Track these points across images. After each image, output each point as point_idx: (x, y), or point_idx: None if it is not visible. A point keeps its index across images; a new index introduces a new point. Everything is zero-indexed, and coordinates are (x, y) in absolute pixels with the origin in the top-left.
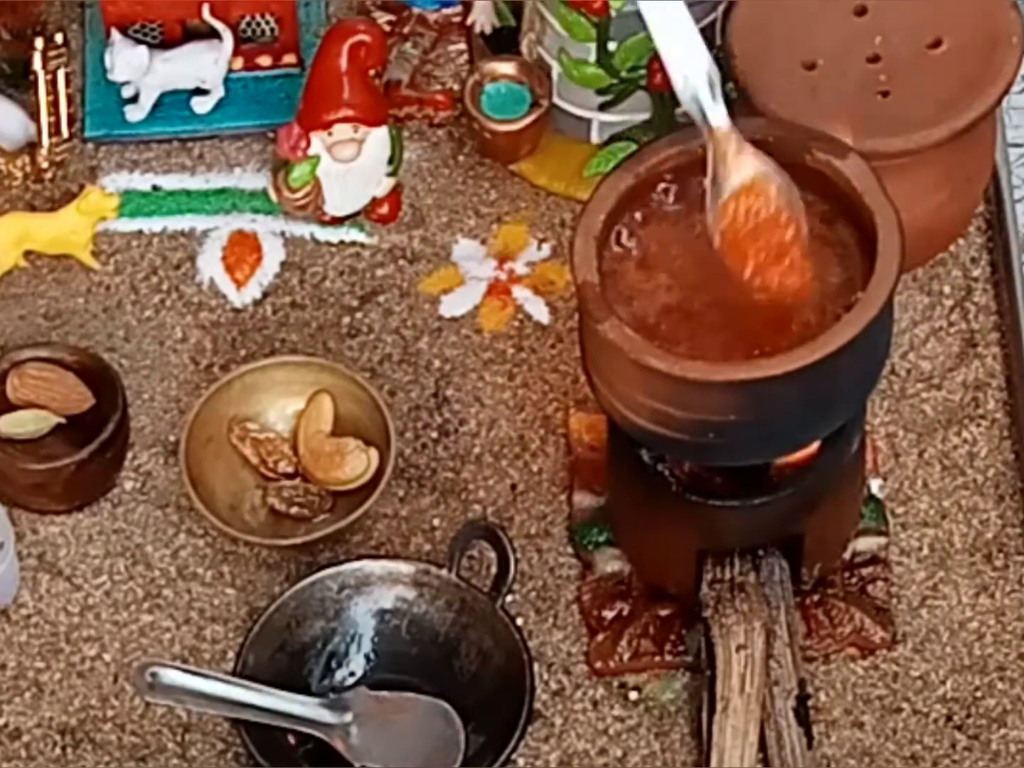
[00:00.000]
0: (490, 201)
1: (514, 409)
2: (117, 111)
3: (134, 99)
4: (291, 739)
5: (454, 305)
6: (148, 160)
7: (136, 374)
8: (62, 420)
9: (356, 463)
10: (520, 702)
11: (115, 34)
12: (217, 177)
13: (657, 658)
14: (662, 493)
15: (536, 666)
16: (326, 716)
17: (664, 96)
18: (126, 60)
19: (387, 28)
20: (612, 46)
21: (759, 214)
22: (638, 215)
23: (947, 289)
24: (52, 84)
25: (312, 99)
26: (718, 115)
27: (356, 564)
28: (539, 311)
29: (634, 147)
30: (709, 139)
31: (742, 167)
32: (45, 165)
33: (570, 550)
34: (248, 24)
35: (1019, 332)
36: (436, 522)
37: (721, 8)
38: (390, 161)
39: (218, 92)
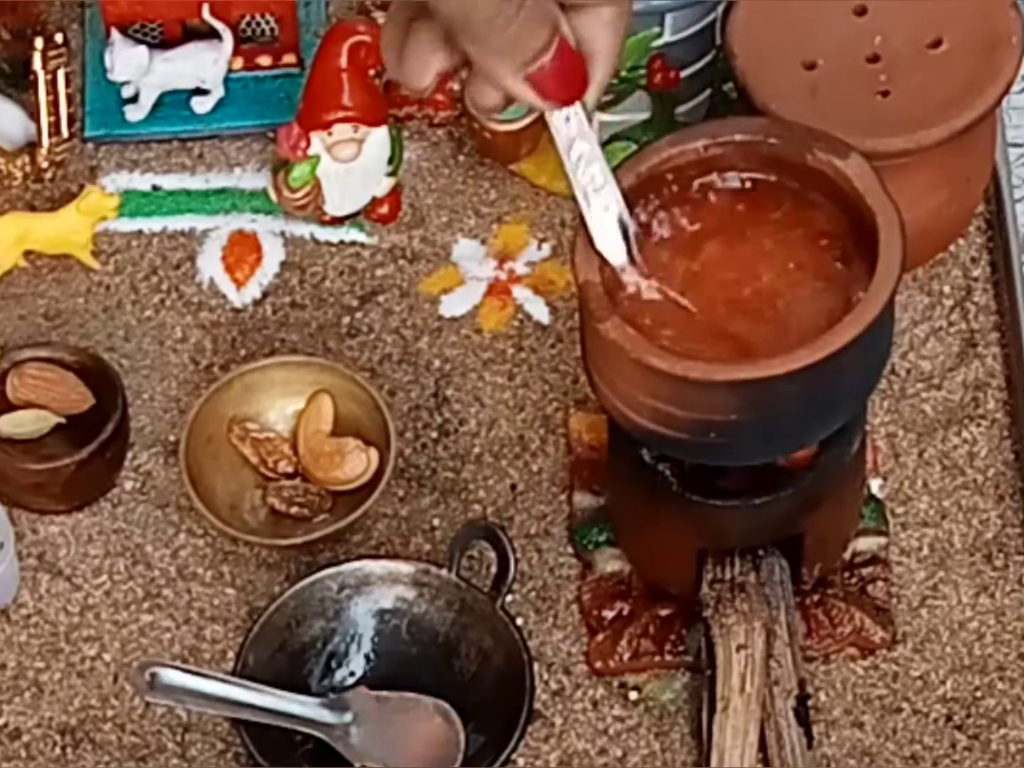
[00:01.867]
0: (490, 201)
1: (514, 409)
2: (117, 111)
3: (134, 99)
4: (298, 737)
5: (454, 305)
6: (148, 160)
7: (136, 374)
8: (62, 420)
9: (356, 463)
10: (520, 702)
11: (115, 34)
12: (217, 177)
13: (657, 658)
14: (662, 493)
15: (536, 666)
16: (326, 716)
17: (664, 96)
18: (126, 60)
19: None
20: None
21: None
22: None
23: (947, 289)
24: (52, 84)
25: (312, 99)
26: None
27: (356, 564)
28: (539, 311)
29: (634, 147)
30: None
31: None
32: (45, 165)
33: (570, 550)
34: (248, 24)
35: (1019, 332)
36: (436, 522)
37: (721, 8)
38: (390, 161)
39: (218, 92)
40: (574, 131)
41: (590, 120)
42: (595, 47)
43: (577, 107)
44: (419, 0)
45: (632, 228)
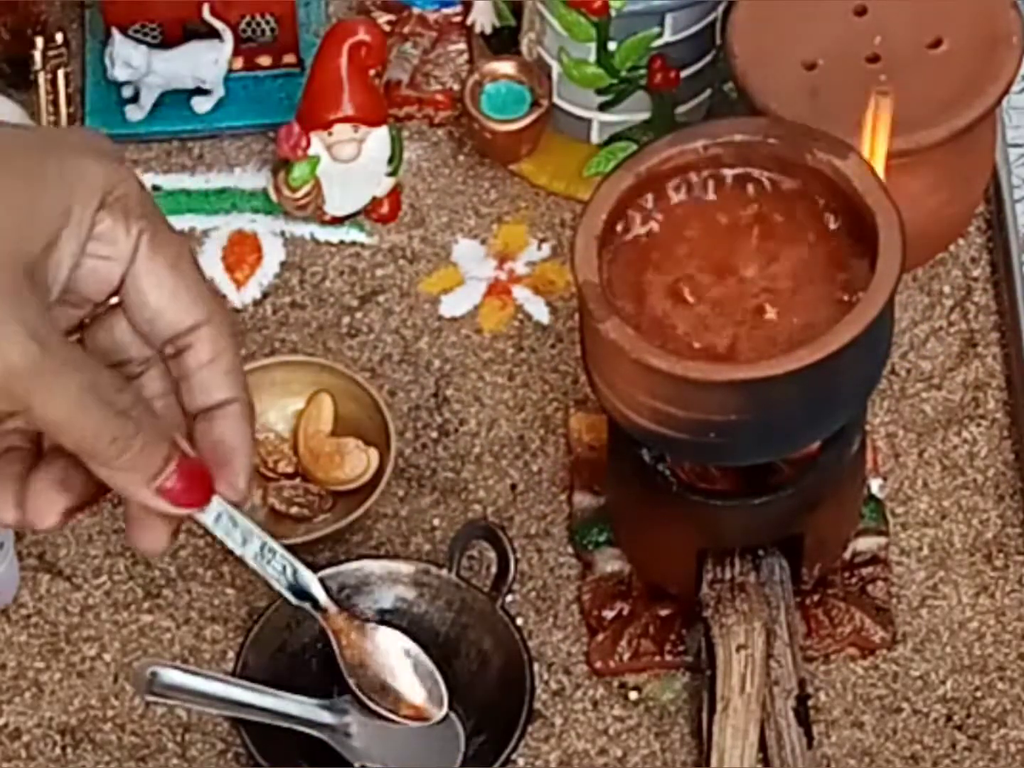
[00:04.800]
0: (490, 201)
1: (514, 409)
2: (117, 111)
3: (134, 99)
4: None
5: (454, 305)
6: (148, 160)
7: None
8: None
9: (356, 463)
10: (520, 702)
11: (115, 34)
12: (217, 177)
13: (657, 658)
14: (662, 493)
15: (536, 666)
16: (326, 716)
17: (664, 96)
18: (126, 60)
19: (387, 28)
20: (612, 46)
21: None
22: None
23: (947, 289)
24: (52, 84)
25: (312, 99)
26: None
27: (356, 564)
28: (539, 311)
29: (634, 147)
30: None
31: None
32: None
33: (570, 550)
34: (248, 24)
35: (1019, 332)
36: (436, 522)
37: (721, 8)
38: (390, 161)
39: (218, 92)
40: (223, 528)
41: (241, 506)
42: (230, 443)
43: (221, 504)
44: (28, 449)
45: (315, 584)
